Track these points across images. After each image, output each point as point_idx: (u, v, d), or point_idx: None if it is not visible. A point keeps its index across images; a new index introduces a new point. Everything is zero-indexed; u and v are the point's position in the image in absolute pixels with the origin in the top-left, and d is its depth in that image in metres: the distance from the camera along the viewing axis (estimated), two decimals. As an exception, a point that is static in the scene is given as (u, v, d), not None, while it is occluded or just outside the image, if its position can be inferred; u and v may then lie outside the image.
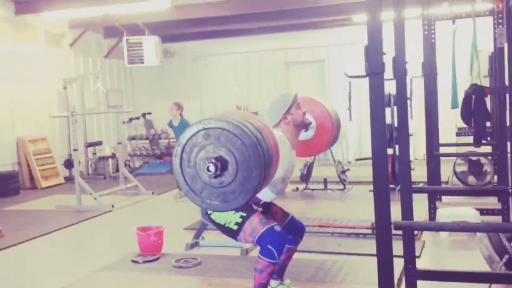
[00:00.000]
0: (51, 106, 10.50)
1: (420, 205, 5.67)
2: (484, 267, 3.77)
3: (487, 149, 7.52)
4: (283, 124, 3.61)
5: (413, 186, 3.38)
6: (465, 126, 5.11)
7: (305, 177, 8.12)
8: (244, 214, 3.30)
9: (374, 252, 2.72)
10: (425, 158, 5.70)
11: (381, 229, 2.66)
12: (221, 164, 2.76)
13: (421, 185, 6.93)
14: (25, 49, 10.01)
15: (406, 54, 3.00)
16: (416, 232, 5.01)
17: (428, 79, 5.43)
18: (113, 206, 7.64)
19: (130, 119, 12.65)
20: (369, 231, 5.35)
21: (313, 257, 4.82)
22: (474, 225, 3.84)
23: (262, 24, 11.57)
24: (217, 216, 3.36)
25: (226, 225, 3.34)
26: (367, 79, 2.61)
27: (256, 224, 3.26)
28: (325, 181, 8.34)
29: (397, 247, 2.94)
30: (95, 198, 7.68)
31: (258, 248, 3.33)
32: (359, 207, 6.81)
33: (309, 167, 8.15)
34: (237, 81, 12.89)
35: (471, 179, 7.09)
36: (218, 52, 13.03)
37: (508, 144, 5.02)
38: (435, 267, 4.53)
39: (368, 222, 5.49)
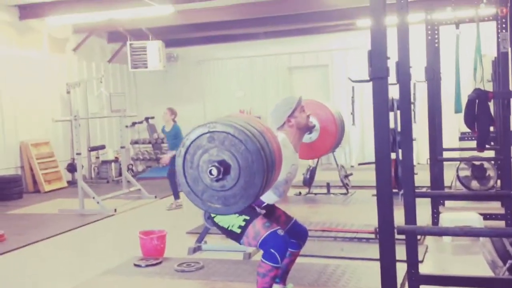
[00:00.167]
0: (55, 110, 10.52)
1: (423, 210, 5.66)
2: (488, 272, 3.75)
3: (491, 153, 7.49)
4: (287, 127, 3.61)
5: (416, 190, 3.37)
6: (468, 130, 5.10)
7: (308, 182, 8.11)
8: (248, 218, 3.29)
9: (377, 256, 2.72)
10: (428, 162, 5.69)
11: (384, 233, 2.66)
12: (224, 168, 2.77)
13: (424, 189, 6.91)
14: (29, 54, 10.05)
15: (410, 58, 3.00)
16: (419, 237, 4.99)
17: (431, 83, 5.43)
18: (115, 210, 7.65)
19: (133, 124, 12.68)
20: (372, 236, 5.33)
21: (315, 261, 4.81)
22: (478, 230, 3.83)
23: (265, 28, 11.60)
24: (221, 219, 3.36)
25: (229, 228, 3.34)
26: (370, 83, 2.61)
27: (259, 228, 3.25)
28: (328, 186, 8.33)
29: (400, 251, 2.94)
30: (98, 202, 7.68)
31: (261, 252, 3.33)
32: (362, 212, 6.80)
33: (312, 172, 8.14)
34: (240, 85, 12.91)
35: (474, 183, 7.07)
36: (221, 56, 13.05)
37: (512, 148, 5.02)
38: (438, 272, 4.51)
39: (371, 226, 5.47)
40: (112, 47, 12.39)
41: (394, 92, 3.35)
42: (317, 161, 8.43)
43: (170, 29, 11.10)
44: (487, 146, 5.59)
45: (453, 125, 9.84)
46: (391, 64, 2.66)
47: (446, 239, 5.29)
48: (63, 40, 10.96)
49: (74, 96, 10.94)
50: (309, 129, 3.75)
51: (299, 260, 3.94)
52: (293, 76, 12.77)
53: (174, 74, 13.25)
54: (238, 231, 3.30)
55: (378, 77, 2.57)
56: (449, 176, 7.12)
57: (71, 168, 10.49)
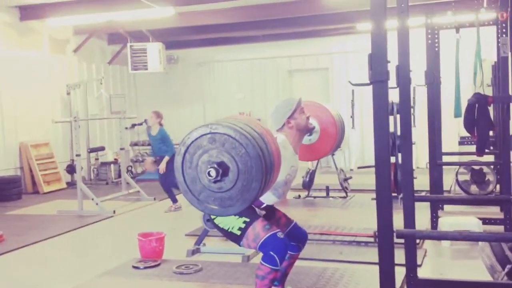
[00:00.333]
0: (55, 111, 10.52)
1: (422, 214, 5.66)
2: (486, 277, 3.75)
3: (490, 158, 7.50)
4: (287, 128, 3.61)
5: (415, 194, 3.38)
6: (468, 135, 5.11)
7: (307, 185, 8.11)
8: (248, 220, 3.29)
9: (376, 260, 2.72)
10: (428, 166, 5.69)
11: (383, 237, 2.65)
12: (223, 170, 2.77)
13: (423, 193, 6.92)
14: (29, 55, 10.05)
15: (410, 62, 3.01)
16: (418, 241, 4.99)
17: (431, 87, 5.43)
18: (114, 211, 7.64)
19: (133, 125, 12.65)
20: (371, 239, 5.34)
21: (314, 264, 4.81)
22: (477, 234, 3.83)
23: (266, 31, 11.61)
24: (221, 221, 3.36)
25: (229, 230, 3.34)
26: (370, 87, 2.61)
27: (259, 230, 3.25)
28: (327, 189, 8.33)
29: (399, 255, 2.94)
30: (96, 204, 7.68)
31: (260, 255, 3.33)
32: (361, 215, 6.80)
33: (311, 175, 8.15)
34: (240, 88, 12.92)
35: (474, 188, 7.07)
36: (221, 59, 13.06)
37: (511, 153, 5.02)
38: (437, 276, 4.51)
39: (370, 230, 5.48)
40: (113, 49, 12.40)
41: (394, 96, 3.35)
42: (317, 164, 8.43)
43: (171, 31, 11.11)
44: (486, 150, 5.59)
45: (453, 130, 9.85)
46: (391, 68, 2.66)
47: (445, 243, 5.29)
48: (64, 41, 10.97)
49: (74, 98, 10.94)
50: (309, 130, 3.75)
51: (297, 263, 3.94)
52: (293, 79, 12.78)
53: (174, 76, 13.26)
54: (238, 233, 3.30)
55: (378, 81, 2.58)
56: (448, 180, 7.13)
57: (71, 169, 10.48)
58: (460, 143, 8.99)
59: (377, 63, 2.57)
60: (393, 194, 6.18)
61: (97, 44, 11.93)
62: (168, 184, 7.69)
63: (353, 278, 4.39)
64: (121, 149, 9.20)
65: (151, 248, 5.19)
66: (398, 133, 6.49)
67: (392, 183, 3.28)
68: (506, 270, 3.47)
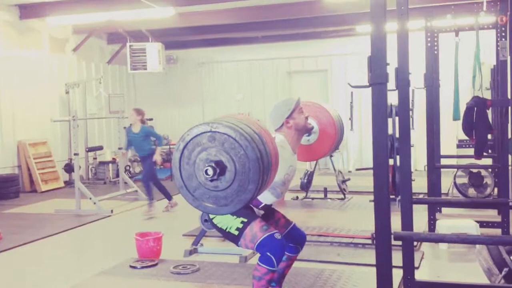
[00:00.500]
0: (53, 110, 10.52)
1: (420, 216, 5.67)
2: (483, 280, 3.75)
3: (488, 161, 7.52)
4: (285, 128, 3.60)
5: (413, 197, 3.38)
6: (466, 138, 5.12)
7: (306, 186, 8.12)
8: (245, 220, 3.30)
9: (373, 262, 2.72)
10: (426, 169, 5.69)
11: (381, 239, 2.66)
12: (220, 169, 2.77)
13: (421, 196, 6.93)
14: (28, 53, 10.05)
15: (409, 65, 3.01)
16: (415, 243, 5.00)
17: (430, 90, 5.44)
18: (112, 211, 7.64)
19: (131, 125, 12.65)
20: (369, 241, 5.34)
21: (312, 266, 4.81)
22: (474, 237, 3.83)
23: (265, 32, 11.62)
24: (219, 221, 3.36)
25: (227, 230, 3.34)
26: (369, 89, 2.62)
27: (256, 231, 3.25)
28: (325, 190, 8.34)
29: (396, 257, 2.94)
30: (94, 203, 7.67)
31: (257, 255, 3.33)
32: (359, 217, 6.80)
33: (310, 176, 8.15)
34: (239, 88, 12.93)
35: (472, 191, 7.08)
36: (221, 59, 13.07)
37: (510, 156, 5.03)
38: (434, 278, 4.51)
39: (368, 232, 5.49)
40: (112, 48, 12.40)
41: (393, 98, 3.36)
42: (315, 166, 8.44)
43: (170, 31, 11.11)
44: (484, 153, 5.60)
45: (451, 132, 9.86)
46: (391, 70, 2.67)
47: (443, 246, 5.30)
48: (63, 40, 10.96)
49: (73, 97, 10.94)
50: (308, 130, 3.74)
51: (295, 264, 3.94)
52: (292, 80, 12.79)
53: (174, 76, 13.26)
54: (236, 233, 3.31)
55: (377, 83, 2.58)
56: (446, 183, 7.14)
57: (68, 168, 10.47)
58: (459, 146, 9.01)
59: (377, 65, 2.57)
60: (391, 196, 6.16)
61: (96, 44, 11.93)
62: (152, 180, 7.61)
63: (351, 280, 4.39)
64: (119, 148, 9.20)
65: (149, 248, 5.19)
66: (397, 135, 6.51)
67: (390, 185, 3.27)
68: (503, 273, 3.48)
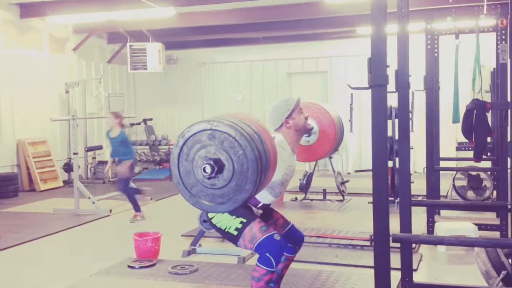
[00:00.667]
0: (53, 110, 10.51)
1: (418, 218, 5.68)
2: (481, 282, 3.75)
3: (487, 164, 7.52)
4: (285, 128, 3.60)
5: (412, 199, 3.38)
6: (465, 140, 5.12)
7: (305, 187, 8.12)
8: (245, 220, 3.29)
9: (372, 264, 2.72)
10: (425, 171, 5.70)
11: (380, 241, 2.66)
12: (218, 167, 2.77)
13: (420, 198, 6.93)
14: (29, 53, 10.05)
15: (409, 67, 3.01)
16: (413, 245, 4.99)
17: (430, 92, 5.44)
18: (111, 210, 7.63)
19: (131, 125, 12.67)
20: (367, 243, 5.34)
21: (310, 267, 4.81)
22: (472, 240, 3.84)
23: (266, 34, 11.63)
24: (218, 221, 3.36)
25: (226, 230, 3.34)
26: (369, 91, 2.62)
27: (256, 231, 3.25)
28: (324, 192, 8.34)
29: (395, 259, 2.94)
30: (93, 202, 7.67)
31: (255, 256, 3.32)
32: (358, 219, 6.80)
33: (309, 177, 8.15)
34: (239, 89, 12.94)
35: (470, 193, 7.08)
36: (221, 60, 13.08)
37: (508, 159, 5.03)
38: (432, 281, 4.51)
39: (367, 233, 5.49)
40: (112, 48, 12.40)
41: (392, 100, 3.36)
42: (314, 167, 8.44)
43: (171, 31, 11.11)
44: (484, 156, 5.60)
45: (451, 135, 9.87)
46: (391, 72, 2.67)
47: (441, 248, 5.29)
48: (63, 40, 10.96)
49: (72, 96, 10.94)
50: (307, 131, 3.73)
51: (293, 265, 3.94)
52: (292, 82, 12.79)
53: (173, 77, 13.27)
54: (235, 233, 3.30)
55: (377, 85, 2.58)
56: (445, 185, 7.14)
57: (68, 167, 10.47)
58: (458, 149, 9.01)
59: (377, 67, 2.57)
60: (390, 198, 6.17)
61: (96, 43, 11.93)
62: (130, 190, 7.30)
63: (349, 282, 4.39)
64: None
65: (147, 248, 5.19)
66: (396, 137, 6.51)
67: (389, 187, 3.28)
68: (501, 276, 3.48)
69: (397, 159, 5.00)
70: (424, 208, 5.81)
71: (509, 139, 4.79)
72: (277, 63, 12.63)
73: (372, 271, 2.72)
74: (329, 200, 8.20)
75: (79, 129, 8.56)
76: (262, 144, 2.87)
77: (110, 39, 12.26)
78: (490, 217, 6.29)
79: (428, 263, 5.02)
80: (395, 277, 3.08)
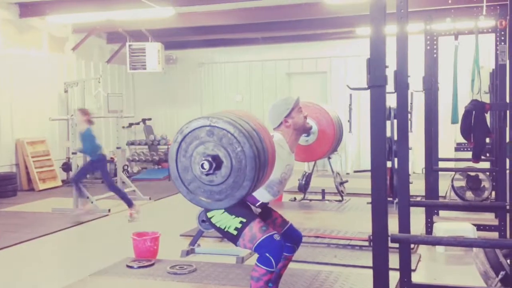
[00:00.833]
0: (52, 109, 10.51)
1: (417, 219, 5.68)
2: (480, 283, 3.76)
3: (486, 165, 7.53)
4: (284, 127, 3.60)
5: (411, 199, 3.38)
6: (464, 141, 5.12)
7: (303, 187, 8.12)
8: (244, 220, 3.29)
9: (370, 264, 2.72)
10: (424, 172, 5.70)
11: (378, 241, 2.66)
12: (216, 164, 2.77)
13: (418, 198, 6.94)
14: (28, 52, 10.04)
15: (408, 68, 3.01)
16: (412, 246, 5.00)
17: (428, 93, 5.45)
18: (109, 210, 7.63)
19: (130, 125, 12.68)
20: (366, 243, 5.35)
21: (308, 267, 4.81)
22: (471, 240, 3.84)
23: (265, 34, 11.63)
24: (218, 220, 3.36)
25: (226, 230, 3.34)
26: (368, 91, 2.62)
27: (256, 231, 3.25)
28: (323, 192, 8.34)
29: (393, 260, 2.94)
30: (92, 202, 7.66)
31: (254, 257, 3.32)
32: (356, 219, 6.80)
33: (308, 178, 8.15)
34: (239, 89, 12.94)
35: (469, 194, 7.09)
36: (220, 60, 13.08)
37: (507, 160, 5.03)
38: (431, 281, 4.52)
39: (365, 234, 5.50)
40: (111, 48, 12.39)
41: (391, 101, 3.36)
42: (313, 167, 8.44)
43: (170, 31, 11.12)
44: (482, 157, 5.61)
45: (449, 136, 9.88)
46: (390, 73, 2.67)
47: (439, 248, 5.30)
48: (63, 39, 10.96)
49: (71, 96, 10.93)
50: (306, 130, 3.73)
51: (292, 265, 3.94)
52: (291, 82, 12.80)
53: (173, 77, 13.27)
54: (235, 233, 3.30)
55: (376, 85, 2.58)
56: (444, 186, 7.14)
57: (66, 167, 10.46)
58: (457, 149, 9.02)
59: (376, 68, 2.58)
60: (389, 199, 6.19)
61: (96, 43, 11.93)
62: (112, 183, 7.30)
63: (347, 282, 4.39)
64: (118, 148, 9.19)
65: (146, 247, 5.19)
66: (395, 138, 6.51)
67: (388, 187, 3.29)
68: (499, 276, 3.48)
69: (396, 159, 5.00)
70: (423, 209, 5.81)
71: (507, 140, 4.80)
72: (276, 64, 12.64)
73: (370, 271, 2.72)
74: (328, 200, 8.20)
75: (77, 128, 8.54)
76: (261, 141, 2.87)
77: (109, 39, 12.26)
78: (489, 218, 6.30)
79: (427, 264, 5.02)
80: (394, 277, 3.09)
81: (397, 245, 3.16)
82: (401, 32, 3.06)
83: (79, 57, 11.40)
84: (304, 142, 4.34)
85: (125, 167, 11.39)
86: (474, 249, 3.87)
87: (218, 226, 3.38)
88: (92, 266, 5.03)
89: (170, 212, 7.76)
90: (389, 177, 6.86)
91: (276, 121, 3.61)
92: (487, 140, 6.13)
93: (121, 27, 10.66)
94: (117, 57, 12.21)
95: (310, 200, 8.22)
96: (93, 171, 7.54)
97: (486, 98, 6.44)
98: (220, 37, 11.91)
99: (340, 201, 8.09)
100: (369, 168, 2.66)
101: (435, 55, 5.56)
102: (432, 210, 5.80)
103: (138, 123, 12.87)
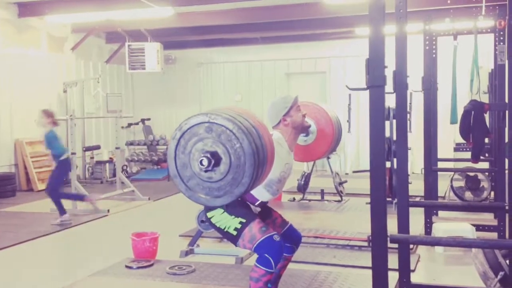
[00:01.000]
0: (51, 109, 10.47)
1: (416, 219, 5.67)
2: (479, 283, 3.76)
3: (485, 165, 7.52)
4: (282, 126, 3.60)
5: (410, 200, 3.38)
6: (463, 141, 5.12)
7: (302, 188, 8.12)
8: (244, 221, 3.29)
9: (369, 264, 2.72)
10: (423, 172, 5.70)
11: (377, 242, 2.66)
12: (215, 160, 2.76)
13: (418, 199, 6.93)
14: (27, 52, 10.03)
15: (407, 68, 3.01)
16: (411, 246, 5.00)
17: (428, 93, 5.45)
18: (108, 210, 7.62)
19: (129, 125, 12.67)
20: (365, 243, 5.35)
21: (308, 267, 4.81)
22: (470, 241, 3.84)
23: (264, 34, 11.63)
24: (218, 220, 3.35)
25: (225, 230, 3.34)
26: (367, 92, 2.62)
27: (255, 232, 3.25)
28: (322, 192, 8.33)
29: (392, 260, 2.94)
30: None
31: (253, 257, 3.32)
32: (356, 219, 6.80)
33: (307, 178, 8.15)
34: (238, 89, 12.94)
35: (468, 194, 7.09)
36: (219, 60, 13.08)
37: (506, 160, 5.03)
38: (430, 281, 4.51)
39: (364, 234, 5.49)
40: (110, 48, 12.38)
41: (390, 101, 3.36)
42: (312, 168, 8.44)
43: (169, 31, 11.11)
44: (481, 157, 5.61)
45: (449, 136, 9.88)
46: (389, 73, 2.67)
47: (439, 249, 5.30)
48: (62, 39, 10.95)
49: (70, 96, 10.92)
50: (305, 129, 3.72)
51: (291, 266, 3.94)
52: (290, 82, 12.79)
53: (172, 76, 13.26)
54: (234, 233, 3.30)
55: (375, 86, 2.58)
56: (443, 186, 7.14)
57: (66, 167, 10.44)
58: (456, 150, 9.01)
59: (375, 68, 2.57)
60: (388, 199, 6.16)
61: (95, 43, 11.92)
62: (57, 192, 6.94)
63: (346, 282, 4.39)
64: (117, 148, 9.19)
65: (145, 248, 5.18)
66: (394, 138, 6.50)
67: (387, 188, 3.28)
68: (498, 277, 3.48)
69: (395, 159, 4.99)
70: (422, 209, 5.81)
71: (506, 140, 4.80)
72: (275, 64, 12.63)
73: (370, 271, 2.72)
74: (327, 200, 8.20)
75: (77, 128, 8.56)
76: (260, 138, 2.87)
77: (108, 39, 12.25)
78: (488, 218, 6.30)
79: (426, 264, 5.02)
80: (393, 277, 3.09)
81: (396, 245, 3.16)
82: (400, 32, 3.06)
83: (78, 57, 11.39)
84: (303, 142, 4.34)
85: (124, 167, 11.39)
86: (473, 249, 3.87)
87: (217, 226, 3.37)
88: (91, 266, 5.02)
89: (169, 213, 7.75)
90: (388, 177, 6.83)
91: (275, 119, 3.61)
92: (486, 140, 6.12)
93: (120, 27, 10.66)
94: (116, 57, 12.20)
95: (309, 200, 8.22)
96: (65, 174, 7.29)
97: (485, 98, 6.45)
98: (219, 37, 11.91)
99: (339, 201, 8.09)
100: (368, 168, 2.66)
101: (434, 55, 5.56)
102: (431, 210, 5.80)
103: (137, 123, 12.87)
